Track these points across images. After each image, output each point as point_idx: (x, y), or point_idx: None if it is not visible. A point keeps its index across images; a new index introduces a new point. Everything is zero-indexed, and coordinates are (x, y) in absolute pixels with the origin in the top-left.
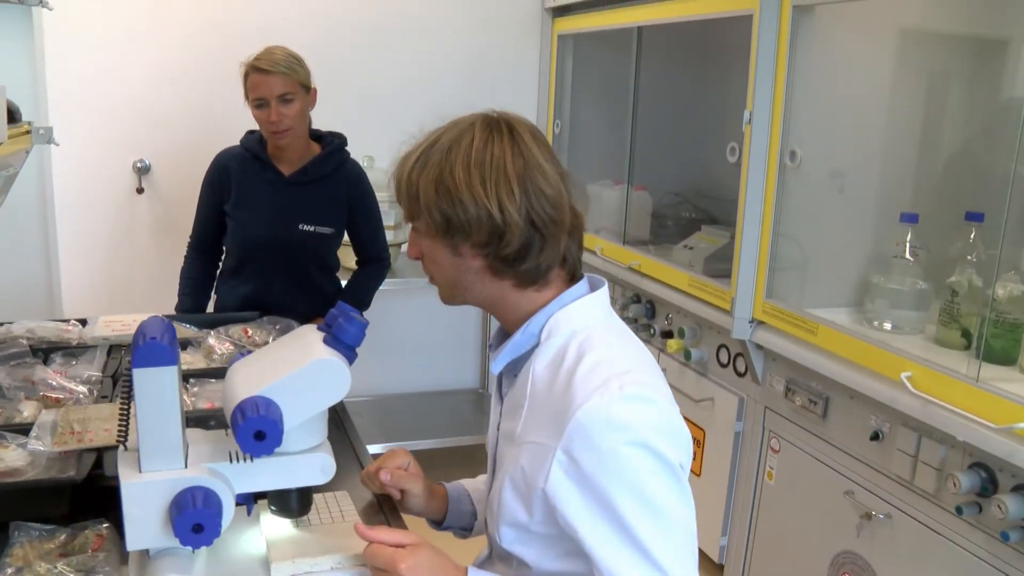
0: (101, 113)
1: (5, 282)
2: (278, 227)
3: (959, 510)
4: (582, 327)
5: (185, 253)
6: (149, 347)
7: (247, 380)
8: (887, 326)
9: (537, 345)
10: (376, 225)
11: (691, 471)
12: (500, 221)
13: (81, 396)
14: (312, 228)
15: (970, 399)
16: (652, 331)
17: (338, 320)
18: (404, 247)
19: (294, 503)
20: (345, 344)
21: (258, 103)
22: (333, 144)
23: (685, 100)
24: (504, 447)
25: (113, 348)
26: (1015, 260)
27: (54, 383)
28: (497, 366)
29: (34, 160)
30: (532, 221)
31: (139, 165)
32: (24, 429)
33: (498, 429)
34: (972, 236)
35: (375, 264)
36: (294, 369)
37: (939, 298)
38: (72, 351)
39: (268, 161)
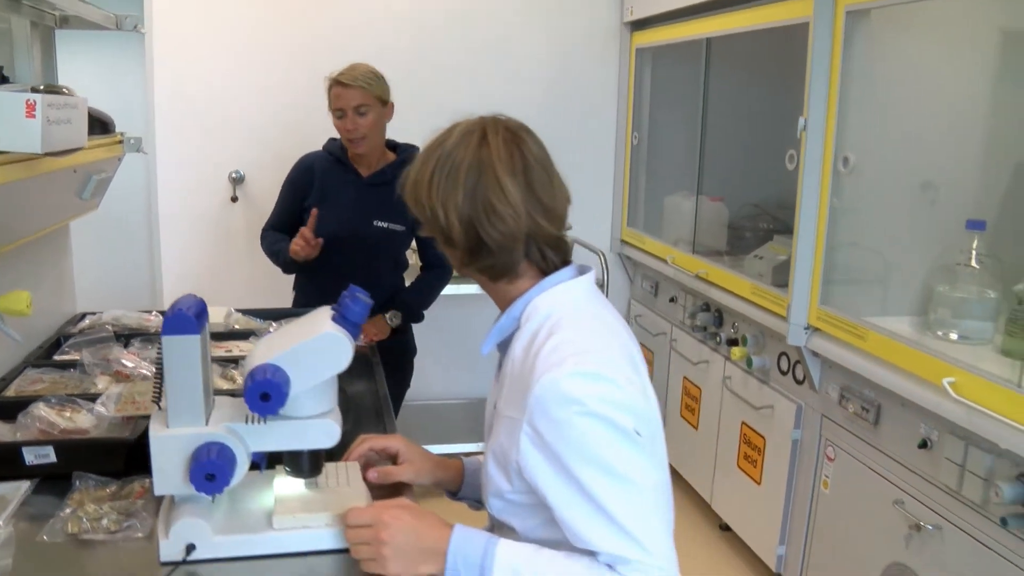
0: (202, 128)
1: (115, 282)
2: (355, 223)
3: (1004, 522)
4: (557, 311)
5: (261, 234)
6: (177, 317)
7: (264, 351)
8: (953, 336)
9: (519, 328)
10: None
11: (751, 479)
12: (444, 224)
13: (149, 373)
14: (386, 224)
15: (1014, 406)
16: (719, 339)
17: (345, 300)
18: None
19: (305, 464)
20: (350, 321)
21: (338, 113)
22: (408, 152)
23: (759, 111)
24: (491, 423)
25: None
26: None
27: (127, 362)
28: (486, 347)
29: (141, 173)
30: (476, 232)
31: (234, 176)
32: (95, 398)
33: (495, 407)
34: None
35: (437, 269)
36: (303, 341)
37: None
38: (150, 337)
39: (349, 164)
